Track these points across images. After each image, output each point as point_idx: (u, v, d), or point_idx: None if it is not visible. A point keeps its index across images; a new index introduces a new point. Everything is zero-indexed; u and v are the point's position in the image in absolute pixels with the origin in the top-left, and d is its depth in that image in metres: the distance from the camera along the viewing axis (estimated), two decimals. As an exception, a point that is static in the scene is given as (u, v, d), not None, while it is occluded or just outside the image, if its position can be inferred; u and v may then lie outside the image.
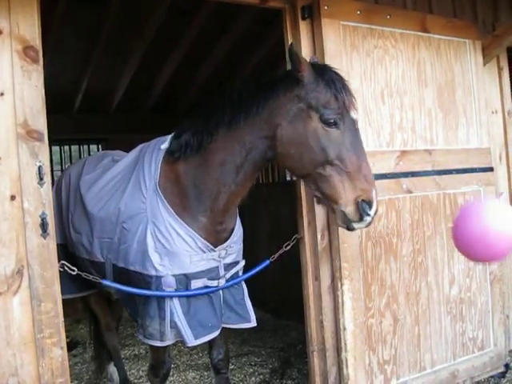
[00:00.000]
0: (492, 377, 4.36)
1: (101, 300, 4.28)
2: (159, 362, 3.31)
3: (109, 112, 8.22)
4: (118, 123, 8.09)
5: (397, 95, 3.88)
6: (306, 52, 3.58)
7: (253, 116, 2.80)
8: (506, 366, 4.43)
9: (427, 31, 4.09)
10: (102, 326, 4.39)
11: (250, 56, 7.01)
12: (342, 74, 3.11)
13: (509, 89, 4.94)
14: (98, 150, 8.67)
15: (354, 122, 2.73)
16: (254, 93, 2.84)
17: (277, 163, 3.21)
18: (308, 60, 2.89)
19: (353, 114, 2.73)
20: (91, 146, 9.10)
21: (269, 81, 2.90)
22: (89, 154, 8.60)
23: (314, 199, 3.53)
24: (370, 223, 2.68)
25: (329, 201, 2.71)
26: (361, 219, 2.62)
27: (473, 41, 4.37)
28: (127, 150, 3.65)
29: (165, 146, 3.11)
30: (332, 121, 2.65)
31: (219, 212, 2.99)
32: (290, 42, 3.58)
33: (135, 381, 4.80)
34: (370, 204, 2.60)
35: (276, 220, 5.43)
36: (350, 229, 2.72)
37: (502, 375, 4.38)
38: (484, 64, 4.48)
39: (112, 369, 4.47)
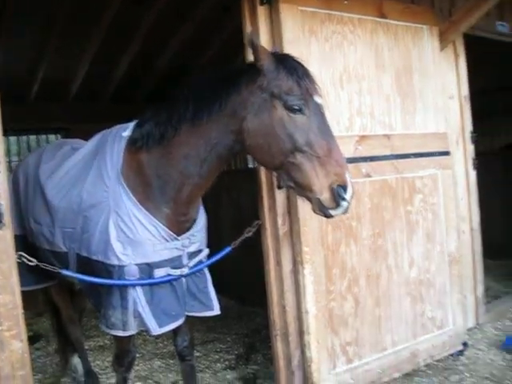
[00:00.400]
0: (451, 355, 4.48)
1: (62, 291, 4.22)
2: (123, 352, 3.29)
3: (67, 101, 8.06)
4: (76, 112, 7.93)
5: (355, 80, 3.91)
6: (264, 38, 3.58)
7: (216, 112, 2.79)
8: (464, 344, 4.57)
9: (385, 17, 4.13)
10: (65, 317, 4.33)
11: (210, 43, 6.97)
12: (301, 59, 3.13)
13: (465, 74, 5.02)
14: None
15: (319, 107, 2.72)
16: (216, 89, 2.82)
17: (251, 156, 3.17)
18: (269, 49, 2.89)
19: (317, 99, 2.72)
20: (50, 136, 8.89)
21: (230, 74, 2.89)
22: (48, 144, 8.42)
23: (275, 185, 3.55)
24: (347, 208, 2.63)
25: (303, 190, 2.68)
26: (338, 205, 2.58)
27: (430, 26, 4.44)
28: (87, 139, 3.59)
29: (126, 133, 3.07)
30: (296, 107, 2.64)
31: (182, 203, 2.98)
32: (248, 29, 3.59)
33: (100, 372, 4.76)
34: (345, 188, 2.58)
35: (238, 207, 5.44)
36: (327, 216, 2.67)
37: (461, 353, 4.51)
38: (441, 49, 4.55)
39: (76, 360, 4.43)
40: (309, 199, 2.69)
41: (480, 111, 9.16)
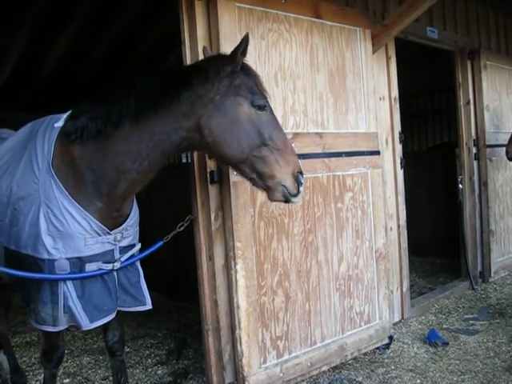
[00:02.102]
0: (377, 348, 4.64)
1: (-14, 286, 4.07)
2: (52, 347, 3.21)
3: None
4: (5, 101, 7.63)
5: (290, 79, 3.96)
6: (201, 32, 3.58)
7: (167, 109, 2.78)
8: (390, 337, 4.74)
9: (320, 17, 4.20)
10: (-11, 313, 4.17)
11: (147, 36, 6.84)
12: None
13: (396, 77, 5.19)
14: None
15: (270, 104, 2.94)
16: (169, 86, 2.81)
17: (208, 153, 3.25)
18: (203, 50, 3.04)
19: (267, 96, 2.93)
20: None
21: (185, 73, 2.91)
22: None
23: (208, 180, 3.56)
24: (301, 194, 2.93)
25: (267, 180, 2.86)
26: (298, 190, 2.86)
27: (363, 29, 4.55)
28: (16, 129, 3.46)
29: (59, 124, 2.97)
30: (262, 104, 2.83)
31: (117, 199, 2.94)
32: (185, 24, 3.58)
33: (27, 368, 4.63)
34: (302, 174, 2.88)
35: (172, 202, 5.40)
36: (287, 201, 2.90)
37: (387, 346, 4.68)
38: (373, 52, 4.67)
39: (2, 357, 4.27)
40: (269, 188, 2.88)
41: (409, 113, 9.55)
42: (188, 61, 3.59)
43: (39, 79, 7.88)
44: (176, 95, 2.77)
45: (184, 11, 3.62)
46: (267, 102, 2.89)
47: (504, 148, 6.63)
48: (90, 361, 4.81)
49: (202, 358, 4.06)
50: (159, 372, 4.48)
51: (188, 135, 2.84)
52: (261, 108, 2.83)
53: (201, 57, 3.54)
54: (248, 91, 2.81)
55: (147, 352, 4.94)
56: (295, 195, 2.88)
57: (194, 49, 3.58)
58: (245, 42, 2.76)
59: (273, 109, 2.96)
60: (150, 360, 4.75)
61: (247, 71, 2.87)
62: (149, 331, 5.49)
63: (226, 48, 3.50)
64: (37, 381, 4.39)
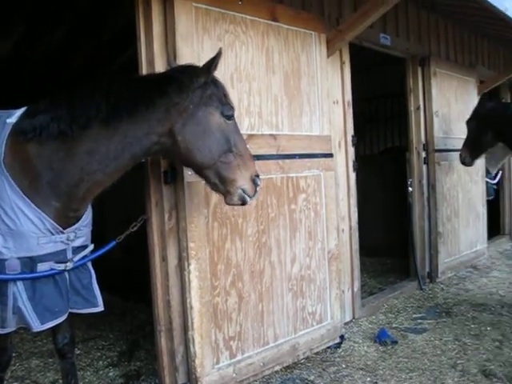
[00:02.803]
0: (329, 347, 4.71)
1: None
2: (0, 350, 3.14)
3: None
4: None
5: (246, 80, 3.99)
6: (157, 30, 3.56)
7: (142, 115, 2.82)
8: (341, 337, 4.83)
9: (277, 20, 4.24)
10: None
11: (97, 34, 6.70)
12: (194, 56, 3.49)
13: (349, 81, 5.28)
14: None
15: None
16: (143, 94, 2.85)
17: (174, 158, 3.30)
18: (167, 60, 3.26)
19: (234, 107, 3.11)
20: None
21: (160, 80, 2.97)
22: None
23: (162, 179, 3.54)
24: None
25: (227, 184, 3.02)
26: (255, 192, 3.09)
27: (318, 33, 4.62)
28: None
29: (11, 120, 2.90)
30: (230, 114, 3.01)
31: (77, 199, 2.91)
32: (141, 22, 3.55)
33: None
34: (258, 176, 3.12)
35: (124, 202, 5.33)
36: (244, 204, 3.11)
37: (338, 345, 4.76)
38: (328, 56, 4.74)
39: None
40: (229, 192, 3.05)
41: (362, 117, 9.72)
42: (143, 59, 3.58)
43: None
44: (152, 102, 2.84)
45: (140, 9, 3.59)
46: (233, 111, 3.05)
47: (452, 153, 6.90)
48: (38, 364, 4.70)
49: (155, 360, 4.03)
50: (110, 374, 4.42)
51: (160, 140, 2.92)
52: (229, 118, 3.00)
53: (157, 56, 3.54)
54: (218, 102, 2.97)
55: (98, 354, 4.87)
56: (253, 195, 3.09)
57: (150, 47, 3.56)
58: (219, 56, 2.90)
59: None
60: (101, 362, 4.68)
61: (216, 82, 3.02)
62: (100, 333, 5.42)
63: (183, 48, 3.52)
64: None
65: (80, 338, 5.14)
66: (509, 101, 9.75)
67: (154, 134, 2.88)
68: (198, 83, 2.90)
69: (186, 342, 3.69)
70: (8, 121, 2.91)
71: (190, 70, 3.00)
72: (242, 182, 3.02)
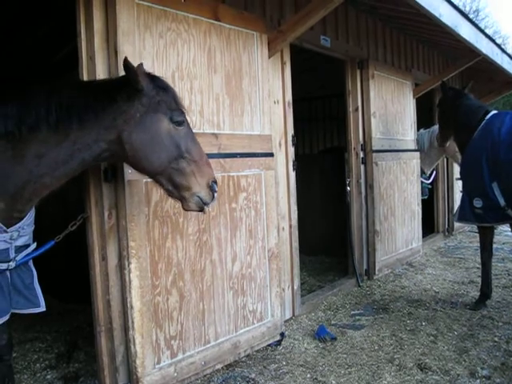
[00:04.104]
0: (270, 345, 4.77)
1: None
2: None
3: None
4: None
5: (187, 79, 3.98)
6: (98, 26, 3.51)
7: (92, 122, 2.79)
8: (282, 334, 4.89)
9: (219, 20, 4.26)
10: None
11: (36, 27, 6.50)
12: (135, 53, 3.48)
13: (290, 82, 5.35)
14: None
15: (187, 118, 3.10)
16: (93, 101, 2.81)
17: (127, 163, 3.24)
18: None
19: (184, 111, 3.07)
20: None
21: (107, 87, 2.94)
22: None
23: (102, 177, 3.50)
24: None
25: (182, 191, 3.00)
26: (213, 198, 3.05)
27: (260, 34, 4.66)
28: None
29: None
30: (181, 120, 2.97)
31: (22, 200, 2.86)
32: (81, 17, 3.47)
33: None
34: (216, 182, 3.08)
35: (64, 200, 5.21)
36: (202, 210, 3.08)
37: (278, 343, 4.82)
38: (269, 57, 4.79)
39: None
40: (185, 199, 3.02)
41: (302, 117, 9.87)
42: (84, 55, 3.51)
43: None
44: (101, 109, 2.81)
45: (81, 4, 3.52)
46: (185, 117, 3.02)
47: (389, 153, 7.11)
48: (-28, 367, 4.53)
49: (94, 361, 3.98)
50: (48, 377, 4.32)
51: (109, 147, 2.90)
52: (179, 123, 2.97)
53: (97, 52, 3.49)
54: (167, 108, 2.93)
55: (35, 356, 4.74)
56: (210, 201, 3.06)
57: (91, 42, 3.51)
58: (138, 70, 2.81)
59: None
60: (38, 364, 4.56)
61: (167, 88, 2.98)
62: (37, 334, 5.27)
63: (124, 44, 3.48)
64: None
65: (16, 340, 4.98)
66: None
67: (103, 142, 2.87)
68: (143, 92, 2.85)
69: (127, 342, 3.66)
70: None
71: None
72: (197, 188, 2.99)
